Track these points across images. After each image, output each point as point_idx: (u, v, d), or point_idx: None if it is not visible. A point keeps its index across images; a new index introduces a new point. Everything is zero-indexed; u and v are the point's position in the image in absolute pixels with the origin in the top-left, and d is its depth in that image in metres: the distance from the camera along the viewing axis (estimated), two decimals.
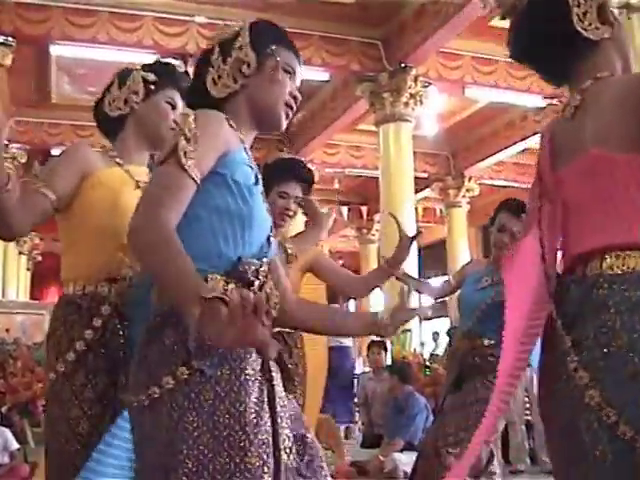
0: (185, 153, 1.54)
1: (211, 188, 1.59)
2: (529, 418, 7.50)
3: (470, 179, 14.71)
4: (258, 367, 1.59)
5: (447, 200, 15.05)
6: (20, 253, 17.00)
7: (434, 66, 10.20)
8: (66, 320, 2.15)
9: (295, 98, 1.85)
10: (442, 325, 14.06)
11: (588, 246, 1.57)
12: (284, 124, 1.84)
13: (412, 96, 9.98)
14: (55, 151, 12.91)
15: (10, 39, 8.66)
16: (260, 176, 1.75)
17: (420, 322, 10.30)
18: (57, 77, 11.02)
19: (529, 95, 10.75)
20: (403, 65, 9.81)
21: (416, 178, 10.72)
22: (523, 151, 13.66)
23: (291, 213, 3.14)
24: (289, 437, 1.60)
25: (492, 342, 3.65)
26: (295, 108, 1.85)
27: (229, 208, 1.61)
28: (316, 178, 12.59)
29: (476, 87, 10.50)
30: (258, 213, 1.68)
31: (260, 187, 1.72)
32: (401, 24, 9.75)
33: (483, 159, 14.02)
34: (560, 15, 1.65)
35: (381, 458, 6.80)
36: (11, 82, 10.75)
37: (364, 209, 17.46)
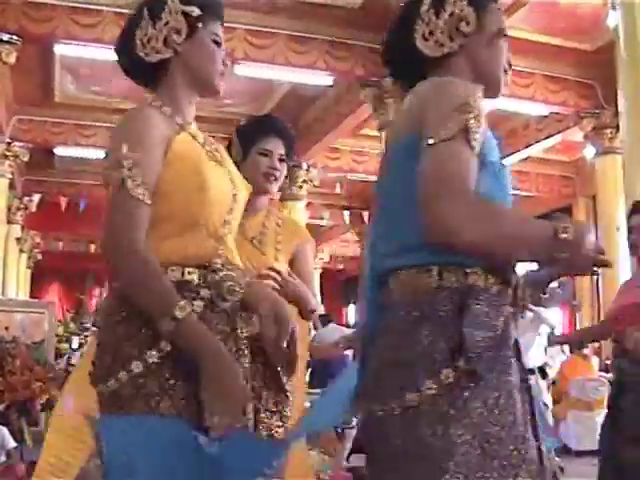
0: (475, 134, 1.38)
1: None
2: None
3: None
4: (518, 374, 1.42)
5: None
6: (21, 251, 17.00)
7: None
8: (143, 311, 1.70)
9: (510, 65, 1.66)
10: None
11: None
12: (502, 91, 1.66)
13: None
14: (57, 150, 12.93)
15: (15, 37, 8.66)
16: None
17: None
18: (61, 76, 11.01)
19: (532, 103, 10.75)
20: None
21: None
22: (525, 159, 13.65)
23: (277, 173, 2.75)
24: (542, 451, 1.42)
25: None
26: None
27: (487, 192, 1.41)
28: (318, 182, 12.52)
29: None
30: (509, 194, 1.51)
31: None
32: None
33: None
34: None
35: None
36: (15, 80, 10.75)
37: (365, 214, 17.45)
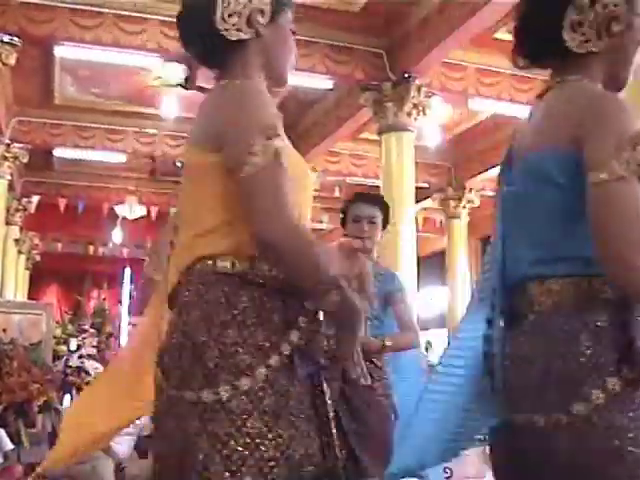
0: None
1: None
2: None
3: (471, 190, 14.70)
4: None
5: (447, 211, 15.04)
6: (19, 252, 16.98)
7: (437, 77, 10.20)
8: (257, 310, 1.57)
9: None
10: (437, 335, 14.07)
11: None
12: None
13: (415, 106, 9.97)
14: (57, 152, 12.93)
15: (15, 39, 8.65)
16: None
17: None
18: (60, 78, 11.02)
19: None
20: (407, 75, 9.81)
21: (417, 188, 10.71)
22: None
23: None
24: None
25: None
26: None
27: None
28: (317, 185, 12.52)
29: (479, 99, 10.50)
30: None
31: None
32: (405, 34, 9.76)
33: (484, 171, 13.99)
34: None
35: None
36: (15, 82, 10.77)
37: None
